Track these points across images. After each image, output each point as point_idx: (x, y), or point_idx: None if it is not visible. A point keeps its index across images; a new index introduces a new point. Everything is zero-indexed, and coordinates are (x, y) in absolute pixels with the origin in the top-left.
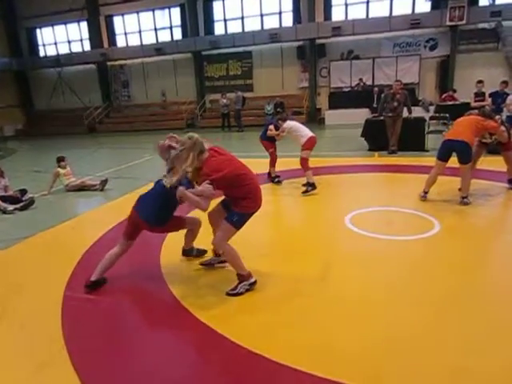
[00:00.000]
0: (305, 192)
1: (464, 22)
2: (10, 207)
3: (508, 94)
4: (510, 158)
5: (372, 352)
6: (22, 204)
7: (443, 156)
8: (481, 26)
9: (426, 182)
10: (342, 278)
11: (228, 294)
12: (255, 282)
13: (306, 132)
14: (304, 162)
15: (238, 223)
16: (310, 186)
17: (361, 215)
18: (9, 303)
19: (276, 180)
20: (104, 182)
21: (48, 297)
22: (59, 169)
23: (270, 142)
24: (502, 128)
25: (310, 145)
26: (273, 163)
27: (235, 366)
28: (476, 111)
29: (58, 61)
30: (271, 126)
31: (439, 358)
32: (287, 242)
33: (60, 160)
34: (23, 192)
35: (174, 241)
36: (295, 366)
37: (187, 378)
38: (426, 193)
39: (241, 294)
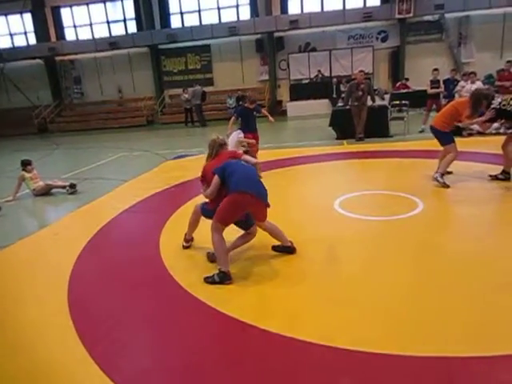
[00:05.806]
0: None
1: (411, 14)
2: None
3: (458, 81)
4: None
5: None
6: None
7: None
8: (426, 18)
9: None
10: (348, 257)
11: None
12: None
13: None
14: None
15: (203, 210)
16: None
17: (348, 200)
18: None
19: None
20: (73, 187)
21: (51, 305)
22: (24, 172)
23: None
24: (470, 121)
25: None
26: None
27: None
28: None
29: None
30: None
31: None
32: (287, 227)
33: (26, 164)
34: None
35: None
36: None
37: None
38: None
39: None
